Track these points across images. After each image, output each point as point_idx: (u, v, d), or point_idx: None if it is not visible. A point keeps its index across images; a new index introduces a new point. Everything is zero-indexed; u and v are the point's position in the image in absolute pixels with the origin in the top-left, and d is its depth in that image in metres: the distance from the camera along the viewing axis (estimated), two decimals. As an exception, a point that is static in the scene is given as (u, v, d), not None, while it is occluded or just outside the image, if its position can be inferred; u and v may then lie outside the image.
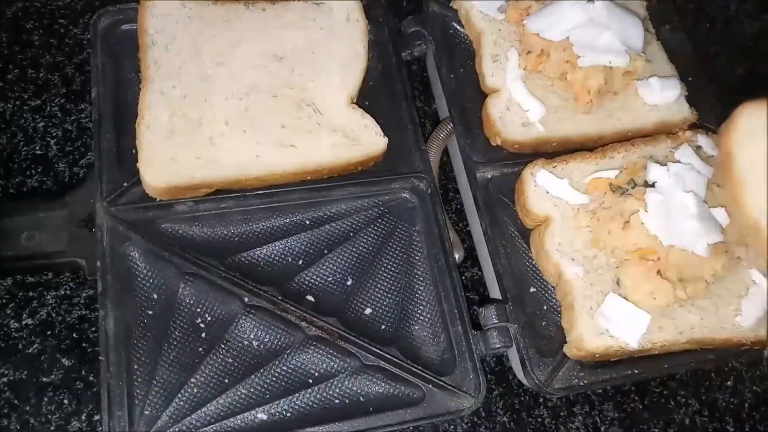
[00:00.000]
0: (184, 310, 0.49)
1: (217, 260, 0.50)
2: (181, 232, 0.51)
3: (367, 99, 0.57)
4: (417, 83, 0.63)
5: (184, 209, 0.51)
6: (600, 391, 0.53)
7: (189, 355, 0.48)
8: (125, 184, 0.50)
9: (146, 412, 0.46)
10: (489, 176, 0.55)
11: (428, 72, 0.61)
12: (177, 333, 0.48)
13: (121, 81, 0.54)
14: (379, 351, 0.49)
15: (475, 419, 0.53)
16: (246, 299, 0.49)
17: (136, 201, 0.50)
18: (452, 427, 0.53)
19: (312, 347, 0.49)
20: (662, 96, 0.55)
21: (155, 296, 0.49)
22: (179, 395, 0.46)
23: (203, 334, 0.48)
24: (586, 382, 0.49)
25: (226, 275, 0.49)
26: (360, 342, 0.49)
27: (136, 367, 0.46)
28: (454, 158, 0.59)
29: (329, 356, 0.49)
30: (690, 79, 0.59)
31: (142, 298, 0.48)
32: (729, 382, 0.54)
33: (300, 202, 0.53)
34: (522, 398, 0.54)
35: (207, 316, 0.49)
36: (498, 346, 0.50)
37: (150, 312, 0.48)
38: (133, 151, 0.50)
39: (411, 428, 0.52)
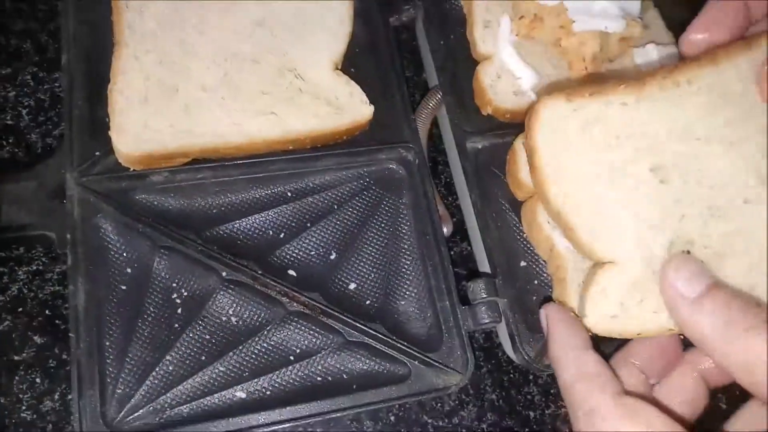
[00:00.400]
0: (159, 284, 0.47)
1: (194, 233, 0.48)
2: (156, 203, 0.49)
3: (353, 66, 0.55)
4: (407, 52, 0.61)
5: (159, 180, 0.49)
6: None
7: (164, 332, 0.46)
8: (97, 153, 0.48)
9: (119, 391, 0.44)
10: (479, 146, 0.53)
11: (418, 39, 0.59)
12: (151, 309, 0.46)
13: (96, 47, 0.52)
14: (363, 327, 0.47)
15: (464, 396, 0.52)
16: (224, 274, 0.47)
17: (109, 171, 0.48)
18: (439, 404, 0.52)
19: (293, 323, 0.47)
20: (660, 64, 0.53)
21: (129, 270, 0.47)
22: (153, 373, 0.45)
23: (179, 310, 0.47)
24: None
25: (203, 248, 0.47)
26: (343, 318, 0.47)
27: (108, 344, 0.45)
28: (443, 129, 0.57)
29: (311, 332, 0.47)
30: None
31: (114, 272, 0.47)
32: None
33: (282, 173, 0.51)
34: (511, 375, 0.53)
35: (183, 291, 0.47)
36: (486, 321, 0.48)
37: (123, 287, 0.46)
38: (107, 119, 0.48)
39: (397, 405, 0.51)
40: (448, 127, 0.54)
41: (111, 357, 0.44)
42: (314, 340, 0.47)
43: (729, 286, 0.36)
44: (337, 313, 0.47)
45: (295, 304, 0.47)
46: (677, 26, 0.57)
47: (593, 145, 0.41)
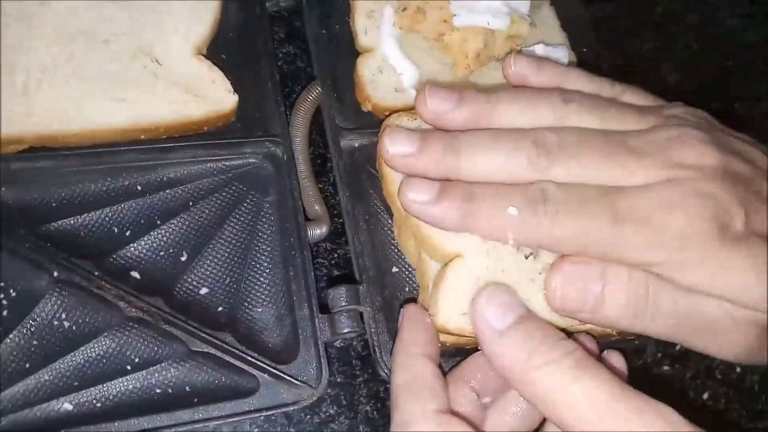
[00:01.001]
0: None
1: (26, 228, 0.44)
2: (-17, 193, 0.44)
3: (223, 52, 0.52)
4: (300, 39, 0.58)
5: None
6: None
7: None
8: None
9: (-76, 400, 0.40)
10: (356, 144, 0.50)
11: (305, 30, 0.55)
12: None
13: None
14: (208, 336, 0.44)
15: (335, 408, 0.49)
16: (56, 273, 0.43)
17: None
18: (308, 416, 0.49)
19: (131, 330, 0.44)
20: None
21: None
22: (-33, 382, 0.41)
23: (5, 312, 0.43)
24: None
25: (33, 246, 0.43)
26: (187, 326, 0.44)
27: None
28: (325, 124, 0.54)
29: (151, 341, 0.44)
30: (584, 49, 0.55)
31: None
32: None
33: (132, 165, 0.47)
34: (388, 386, 0.50)
35: (11, 291, 0.43)
36: (345, 331, 0.45)
37: None
38: None
39: (262, 417, 0.48)
40: (327, 122, 0.51)
41: None
42: (154, 349, 0.44)
43: (539, 319, 0.37)
44: (179, 321, 0.44)
45: (133, 309, 0.44)
46: (573, 25, 0.56)
47: None
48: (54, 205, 0.46)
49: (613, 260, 0.37)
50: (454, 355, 0.45)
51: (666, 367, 0.53)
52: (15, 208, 0.45)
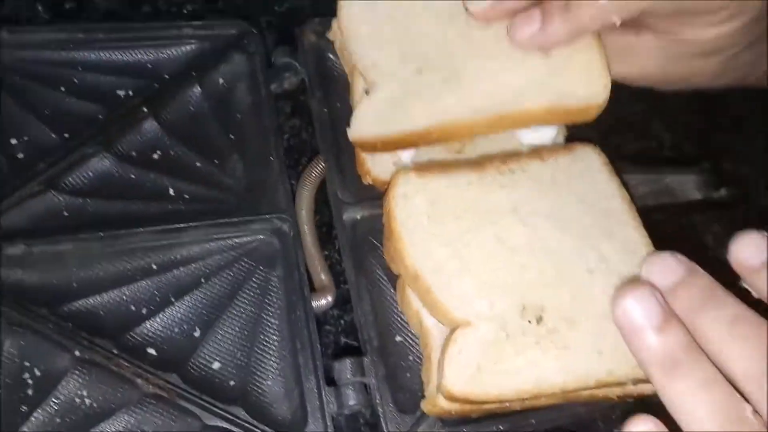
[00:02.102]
0: (10, 364, 0.46)
1: (47, 309, 0.47)
2: (11, 278, 0.48)
3: (233, 133, 0.56)
4: (305, 113, 0.61)
5: (16, 253, 0.48)
6: None
7: (10, 416, 0.45)
8: (-50, 225, 0.48)
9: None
10: (358, 217, 0.54)
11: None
12: (1, 390, 0.46)
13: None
14: (221, 411, 0.47)
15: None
16: (77, 353, 0.47)
17: (-39, 245, 0.48)
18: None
19: (149, 406, 0.47)
20: (537, 136, 0.53)
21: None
22: (-6, 462, 0.44)
23: (29, 391, 0.46)
24: (448, 440, 0.47)
25: (55, 326, 0.47)
26: (201, 401, 0.47)
27: (-53, 431, 0.44)
28: (329, 197, 0.57)
29: (167, 416, 0.47)
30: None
31: None
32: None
33: (146, 245, 0.51)
34: None
35: (36, 370, 0.47)
36: (352, 404, 0.48)
37: None
38: None
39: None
40: (330, 194, 0.55)
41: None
42: (170, 424, 0.47)
43: None
44: (194, 396, 0.47)
45: (150, 386, 0.47)
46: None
47: (443, 216, 0.46)
48: (74, 285, 0.49)
49: None
50: (458, 424, 0.48)
51: None
52: (37, 289, 0.48)
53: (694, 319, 0.37)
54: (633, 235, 0.48)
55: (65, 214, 0.51)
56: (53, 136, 0.53)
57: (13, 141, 0.53)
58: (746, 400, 0.35)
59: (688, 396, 0.36)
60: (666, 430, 0.37)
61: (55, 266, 0.49)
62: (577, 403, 0.47)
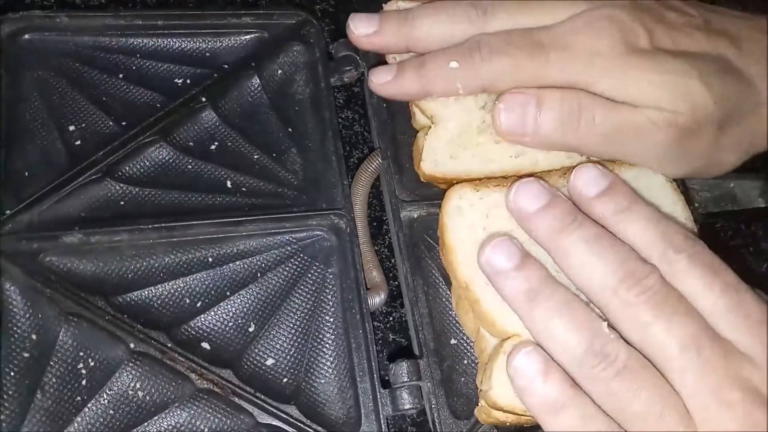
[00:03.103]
0: (65, 353, 0.47)
1: (104, 300, 0.47)
2: (67, 267, 0.48)
3: (290, 126, 0.55)
4: (360, 105, 0.61)
5: (72, 242, 0.48)
6: None
7: (65, 405, 0.46)
8: (8, 211, 0.48)
9: (10, 469, 0.43)
10: (415, 215, 0.53)
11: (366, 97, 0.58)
12: (54, 379, 0.46)
13: (19, 96, 0.52)
14: (274, 410, 0.47)
15: (393, 478, 0.51)
16: (132, 345, 0.47)
17: (21, 230, 0.48)
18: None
19: (202, 402, 0.47)
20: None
21: (33, 337, 0.47)
22: (50, 449, 0.44)
23: (83, 381, 0.46)
24: (501, 449, 0.46)
25: (111, 317, 0.47)
26: (255, 398, 0.47)
27: (2, 417, 0.44)
28: (383, 192, 0.56)
29: (220, 413, 0.47)
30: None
31: (16, 338, 0.46)
32: None
33: (204, 237, 0.50)
34: None
35: (90, 361, 0.47)
36: (407, 407, 0.48)
37: (26, 354, 0.46)
38: (26, 173, 0.49)
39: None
40: (386, 193, 0.54)
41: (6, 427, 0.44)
42: (223, 420, 0.47)
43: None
44: (248, 394, 0.47)
45: (204, 381, 0.47)
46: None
47: (497, 229, 0.46)
48: (129, 276, 0.49)
49: (546, 85, 0.45)
50: (517, 432, 0.47)
51: None
52: (94, 279, 0.49)
53: (558, 240, 0.42)
54: None
55: (122, 203, 0.51)
56: (111, 123, 0.53)
57: (71, 128, 0.53)
58: (603, 317, 0.40)
59: (548, 320, 0.40)
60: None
61: (111, 256, 0.49)
62: None
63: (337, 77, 0.57)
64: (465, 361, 0.49)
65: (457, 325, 0.50)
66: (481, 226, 0.46)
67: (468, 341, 0.50)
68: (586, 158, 0.49)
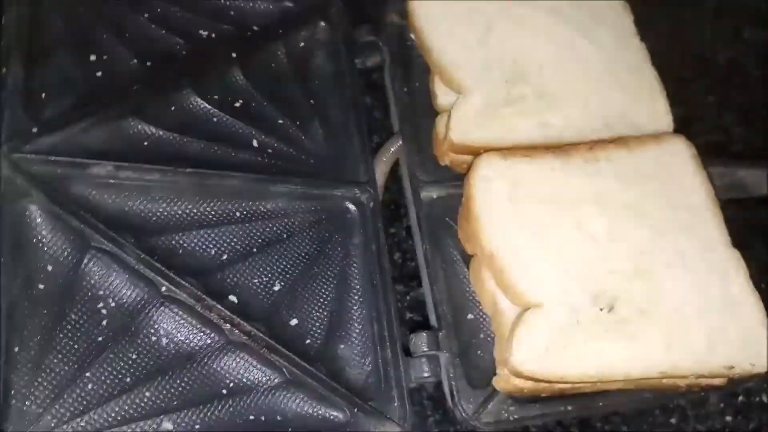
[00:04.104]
0: (86, 289, 0.44)
1: (134, 238, 0.45)
2: (94, 198, 0.46)
3: (312, 98, 0.56)
4: (378, 92, 0.62)
5: (101, 172, 0.46)
6: (540, 424, 0.53)
7: (85, 344, 0.43)
8: (34, 129, 0.44)
9: (26, 407, 0.39)
10: (434, 196, 0.56)
11: (386, 83, 0.61)
12: (73, 316, 0.43)
13: (38, 17, 0.49)
14: (306, 366, 0.46)
15: (407, 449, 0.52)
16: (163, 289, 0.45)
17: (44, 152, 0.45)
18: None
19: (232, 354, 0.46)
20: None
21: (50, 268, 0.43)
22: (69, 390, 0.41)
23: (105, 322, 0.44)
24: (516, 417, 0.49)
25: (142, 257, 0.45)
26: (288, 354, 0.46)
27: (18, 350, 0.40)
28: (403, 174, 0.59)
29: (251, 366, 0.46)
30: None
31: (34, 268, 0.43)
32: (673, 420, 0.56)
33: (234, 191, 0.50)
34: (458, 427, 0.53)
35: (111, 301, 0.44)
36: (426, 375, 0.50)
37: (41, 286, 0.43)
38: (42, 95, 0.46)
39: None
40: (406, 174, 0.57)
41: (21, 366, 0.40)
42: (253, 374, 0.46)
43: None
44: (281, 349, 0.46)
45: (237, 333, 0.46)
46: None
47: (524, 199, 0.48)
48: (155, 219, 0.48)
49: None
50: (528, 402, 0.50)
51: (728, 418, 0.57)
52: (120, 217, 0.46)
53: None
54: (712, 231, 0.50)
55: (146, 144, 0.49)
56: (134, 61, 0.51)
57: (92, 57, 0.50)
58: None
59: None
60: None
61: (139, 195, 0.47)
62: (644, 389, 0.50)
63: (360, 61, 0.59)
64: (481, 335, 0.52)
65: (473, 301, 0.53)
66: (507, 196, 0.48)
67: (485, 316, 0.53)
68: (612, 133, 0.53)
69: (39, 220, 0.43)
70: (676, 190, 0.51)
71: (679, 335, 0.47)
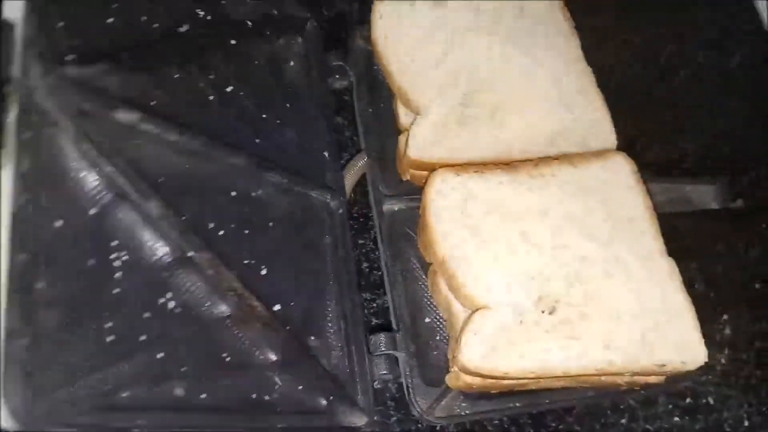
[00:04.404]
0: (101, 237, 0.42)
1: (156, 192, 0.44)
2: (118, 144, 0.44)
3: (288, 102, 0.59)
4: (348, 112, 0.65)
5: (126, 120, 0.44)
6: (497, 421, 0.57)
7: (96, 296, 0.40)
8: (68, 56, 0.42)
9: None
10: (395, 208, 0.60)
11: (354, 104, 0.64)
12: (85, 264, 0.40)
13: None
14: (298, 347, 0.48)
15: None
16: (185, 251, 0.44)
17: (67, 85, 0.42)
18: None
19: (230, 328, 0.46)
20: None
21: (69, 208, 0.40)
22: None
23: (116, 275, 0.41)
24: (468, 412, 0.54)
25: (160, 212, 0.43)
26: (284, 333, 0.47)
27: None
28: (369, 188, 0.62)
29: (249, 340, 0.46)
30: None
31: (54, 202, 0.40)
32: (623, 420, 0.59)
33: (235, 169, 0.51)
34: (419, 425, 0.55)
35: (125, 255, 0.42)
36: (384, 372, 0.53)
37: (56, 224, 0.40)
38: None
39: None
40: (371, 188, 0.61)
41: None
42: (251, 348, 0.46)
43: None
44: (278, 327, 0.47)
45: (241, 304, 0.46)
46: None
47: (474, 211, 0.52)
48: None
49: None
50: (479, 398, 0.55)
51: (676, 419, 0.59)
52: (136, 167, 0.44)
53: None
54: (649, 242, 0.53)
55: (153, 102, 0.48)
56: (145, 19, 0.50)
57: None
58: None
59: None
60: None
61: (154, 150, 0.46)
62: (587, 386, 0.55)
63: (330, 82, 0.63)
64: (437, 337, 0.56)
65: (431, 306, 0.57)
66: (459, 208, 0.52)
67: (441, 320, 0.57)
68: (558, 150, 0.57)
69: (66, 151, 0.40)
70: (616, 203, 0.54)
71: (616, 336, 0.50)
